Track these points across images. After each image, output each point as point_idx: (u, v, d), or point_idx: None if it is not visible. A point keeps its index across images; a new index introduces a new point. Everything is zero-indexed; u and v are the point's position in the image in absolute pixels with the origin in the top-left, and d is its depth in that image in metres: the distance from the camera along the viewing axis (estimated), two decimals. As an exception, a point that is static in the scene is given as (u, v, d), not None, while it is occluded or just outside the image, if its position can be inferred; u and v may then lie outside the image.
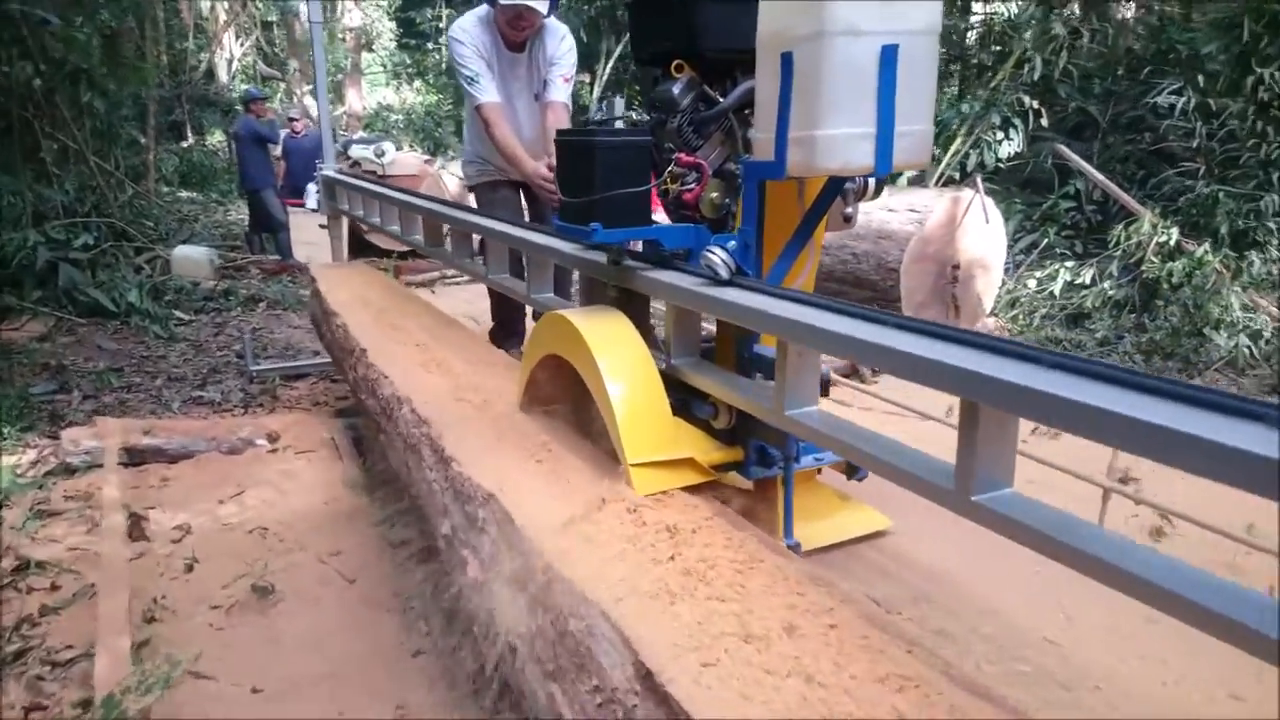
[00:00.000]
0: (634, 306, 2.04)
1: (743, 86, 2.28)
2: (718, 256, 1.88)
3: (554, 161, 3.17)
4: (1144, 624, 1.60)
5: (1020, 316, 6.63)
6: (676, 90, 2.29)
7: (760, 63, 1.85)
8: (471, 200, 3.84)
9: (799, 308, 1.44)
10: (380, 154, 8.75)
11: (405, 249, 9.53)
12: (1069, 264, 6.76)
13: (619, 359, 1.90)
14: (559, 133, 2.30)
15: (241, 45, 19.95)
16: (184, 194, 12.87)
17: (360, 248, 8.50)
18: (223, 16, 18.74)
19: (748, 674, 1.14)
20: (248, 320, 6.54)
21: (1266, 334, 5.67)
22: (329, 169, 4.85)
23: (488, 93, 3.27)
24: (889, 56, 1.67)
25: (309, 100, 18.09)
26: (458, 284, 8.12)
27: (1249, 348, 5.66)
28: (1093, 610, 1.65)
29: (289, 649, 2.45)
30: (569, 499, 1.72)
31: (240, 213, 12.03)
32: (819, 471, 2.25)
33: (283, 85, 19.64)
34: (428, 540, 3.05)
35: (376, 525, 3.24)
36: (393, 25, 23.08)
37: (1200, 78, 6.92)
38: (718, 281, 1.84)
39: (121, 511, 2.92)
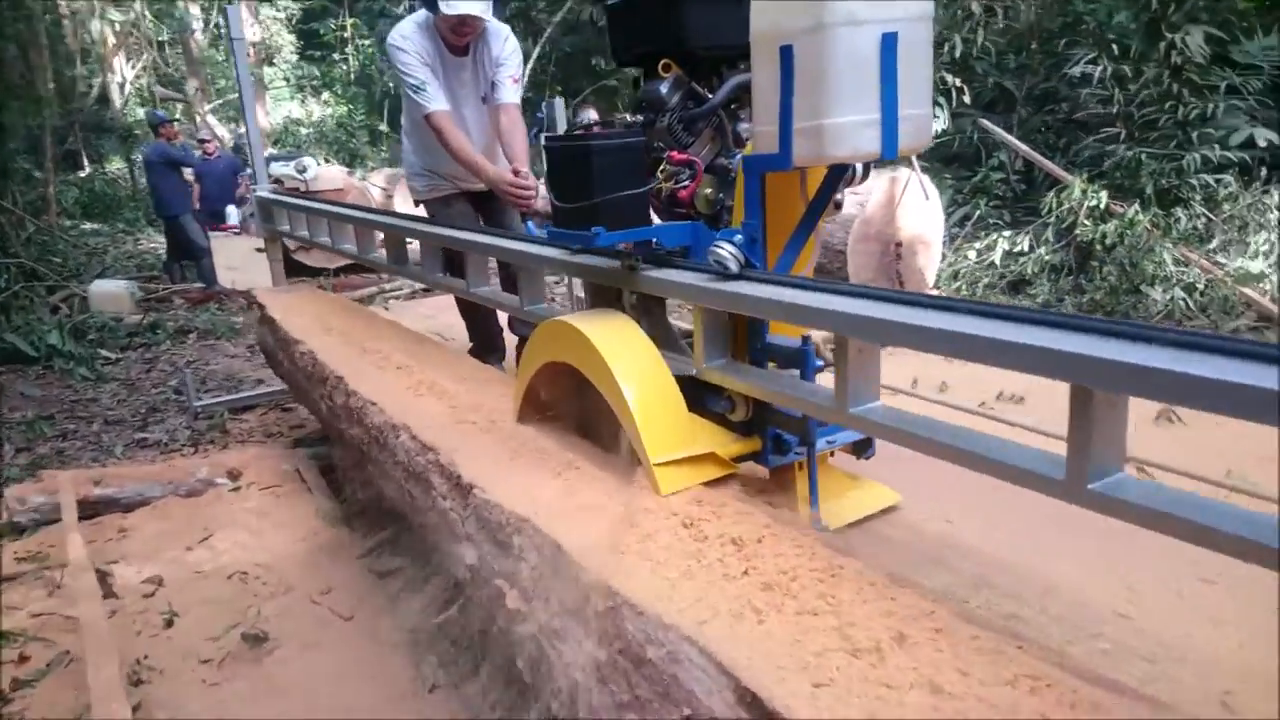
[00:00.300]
0: (652, 311, 1.97)
1: (731, 82, 2.29)
2: (726, 250, 1.86)
3: (519, 166, 3.14)
4: (1204, 586, 1.60)
5: (964, 287, 6.76)
6: (664, 89, 2.29)
7: (757, 57, 1.84)
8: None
9: (853, 301, 1.38)
10: (302, 170, 8.45)
11: (337, 266, 9.32)
12: (1006, 233, 6.91)
13: (630, 361, 1.86)
14: (549, 139, 2.26)
15: (133, 67, 19.09)
16: (88, 226, 12.24)
17: (289, 268, 8.21)
18: (112, 39, 17.88)
19: (867, 690, 1.08)
20: (179, 353, 6.23)
21: (1200, 286, 5.89)
22: (263, 189, 4.64)
23: (436, 100, 3.14)
24: (889, 43, 1.68)
25: (212, 120, 17.43)
26: (396, 299, 7.89)
27: (1184, 300, 5.88)
28: (1145, 575, 1.65)
29: (295, 699, 2.31)
30: (610, 515, 1.64)
31: (152, 241, 11.51)
32: (832, 454, 2.24)
33: (180, 106, 18.86)
34: (420, 568, 2.94)
35: (361, 557, 3.09)
36: (293, 38, 22.38)
37: (1114, 47, 7.14)
38: (727, 276, 1.81)
39: (91, 570, 2.71)
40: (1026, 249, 6.76)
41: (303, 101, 22.29)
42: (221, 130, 16.03)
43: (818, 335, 2.31)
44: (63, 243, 9.40)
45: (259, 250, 5.56)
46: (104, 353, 6.07)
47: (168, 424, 4.66)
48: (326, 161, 13.27)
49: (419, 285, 8.22)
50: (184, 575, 2.99)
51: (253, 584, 2.91)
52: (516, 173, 3.07)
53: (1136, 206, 6.22)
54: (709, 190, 2.28)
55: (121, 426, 4.67)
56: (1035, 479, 1.11)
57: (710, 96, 2.28)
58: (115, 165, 16.68)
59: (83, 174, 15.29)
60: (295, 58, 22.71)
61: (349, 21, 19.55)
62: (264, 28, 20.69)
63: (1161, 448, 3.19)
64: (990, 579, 1.67)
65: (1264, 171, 6.59)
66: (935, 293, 6.85)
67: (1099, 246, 6.43)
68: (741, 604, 1.29)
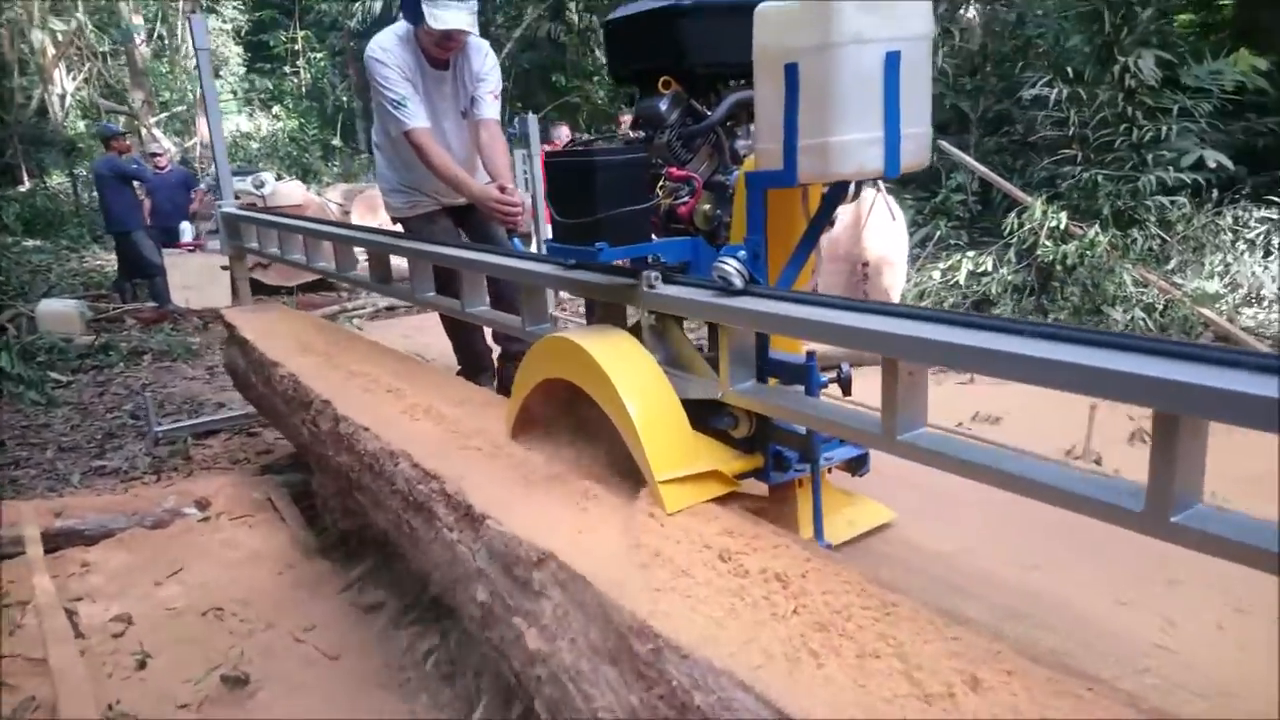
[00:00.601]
0: (671, 329, 1.92)
1: (730, 99, 2.31)
2: (731, 266, 1.87)
3: (505, 183, 3.08)
4: (1241, 617, 1.59)
5: (930, 306, 6.83)
6: (663, 106, 2.30)
7: (760, 74, 1.84)
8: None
9: (902, 322, 1.34)
10: (260, 185, 8.25)
11: (297, 284, 9.10)
12: (970, 253, 7.01)
13: (634, 377, 1.84)
14: (550, 154, 2.24)
15: (74, 78, 18.54)
16: (30, 243, 11.79)
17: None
18: (52, 50, 17.34)
19: (947, 739, 1.03)
20: (134, 376, 6.01)
21: (1159, 306, 6.03)
22: (228, 205, 4.49)
23: (417, 117, 3.06)
24: (893, 62, 1.69)
25: (158, 133, 16.99)
26: (359, 316, 7.72)
27: (1144, 320, 6.02)
28: (1176, 603, 1.64)
29: (285, 746, 2.19)
30: (639, 547, 1.58)
31: (98, 258, 11.14)
32: (829, 470, 2.25)
33: (121, 120, 18.36)
34: (407, 602, 2.83)
35: (343, 591, 2.97)
36: (240, 50, 21.96)
37: (1069, 70, 7.31)
38: (731, 291, 1.81)
39: (60, 610, 2.56)
40: (990, 269, 6.86)
41: (250, 115, 21.88)
42: (167, 143, 15.62)
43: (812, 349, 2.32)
44: (5, 260, 9.05)
45: (224, 268, 5.38)
46: (55, 375, 5.83)
47: (126, 450, 4.47)
48: (280, 177, 12.98)
49: (383, 303, 8.08)
50: (155, 613, 2.84)
51: (229, 621, 2.78)
52: (503, 189, 3.01)
53: (1097, 228, 6.36)
54: (707, 206, 2.29)
55: (77, 453, 4.46)
56: (1111, 511, 1.08)
57: (709, 113, 2.28)
58: (57, 179, 16.13)
59: (22, 189, 14.75)
60: (243, 70, 22.30)
61: (300, 34, 19.26)
62: (210, 39, 20.26)
63: (1138, 467, 3.24)
64: (1019, 609, 1.65)
65: (1214, 193, 6.80)
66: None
67: (1060, 267, 6.56)
68: (795, 646, 1.24)
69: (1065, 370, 1.06)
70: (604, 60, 13.71)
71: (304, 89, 20.11)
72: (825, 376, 2.15)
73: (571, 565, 1.55)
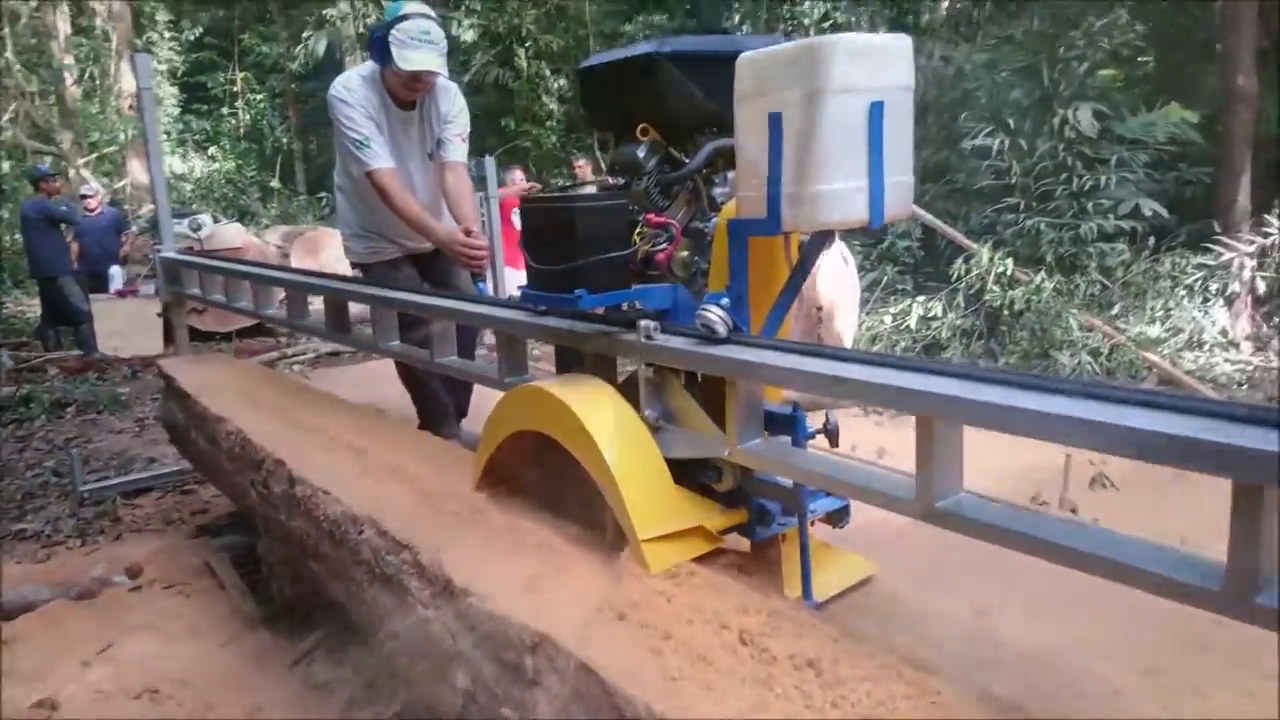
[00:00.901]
0: (669, 382, 1.82)
1: (709, 147, 2.30)
2: (714, 314, 1.82)
3: (471, 226, 2.97)
4: (1270, 685, 1.53)
5: (882, 350, 6.86)
6: (641, 153, 2.28)
7: (742, 121, 1.82)
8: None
9: (942, 380, 1.25)
10: (197, 228, 7.96)
11: (233, 329, 8.76)
12: (920, 298, 7.08)
13: (614, 430, 1.77)
14: (525, 200, 2.18)
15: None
16: (-59, 288, 11.18)
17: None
18: (-28, 87, 16.69)
19: None
20: (57, 430, 5.65)
21: (1105, 350, 6.14)
22: (168, 250, 4.27)
23: (381, 158, 2.96)
24: (877, 112, 1.69)
25: (86, 174, 16.41)
26: (300, 363, 7.44)
27: (1090, 364, 6.12)
28: (1205, 673, 1.57)
29: None
30: (646, 628, 1.44)
31: (18, 304, 10.61)
32: (812, 524, 2.21)
33: (48, 160, 17.71)
34: (363, 677, 2.63)
35: (293, 666, 2.75)
36: (175, 90, 21.49)
37: (1009, 121, 7.52)
38: (714, 340, 1.76)
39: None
40: (939, 314, 6.94)
41: (184, 156, 21.36)
42: (97, 184, 15.10)
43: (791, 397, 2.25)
44: (-85, 306, 8.56)
45: (158, 315, 5.12)
46: (-32, 430, 5.45)
47: (49, 512, 4.15)
48: (217, 219, 12.61)
49: (325, 348, 7.82)
50: (83, 695, 2.58)
51: (166, 705, 2.53)
52: (469, 232, 2.92)
53: (1043, 274, 6.48)
54: (685, 253, 2.26)
55: (-7, 516, 4.13)
56: (1189, 592, 0.99)
57: (687, 160, 2.26)
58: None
59: (-63, 230, 14.05)
60: (177, 110, 21.80)
61: (240, 75, 18.95)
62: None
63: (1098, 512, 3.22)
64: (1047, 687, 1.55)
65: (1151, 240, 7.01)
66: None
67: (1007, 312, 6.67)
68: (840, 747, 1.12)
69: (1141, 437, 0.98)
70: (551, 107, 13.80)
71: (242, 130, 19.72)
72: (811, 427, 2.10)
73: (573, 650, 1.41)
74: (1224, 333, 6.37)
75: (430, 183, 3.18)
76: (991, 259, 6.68)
